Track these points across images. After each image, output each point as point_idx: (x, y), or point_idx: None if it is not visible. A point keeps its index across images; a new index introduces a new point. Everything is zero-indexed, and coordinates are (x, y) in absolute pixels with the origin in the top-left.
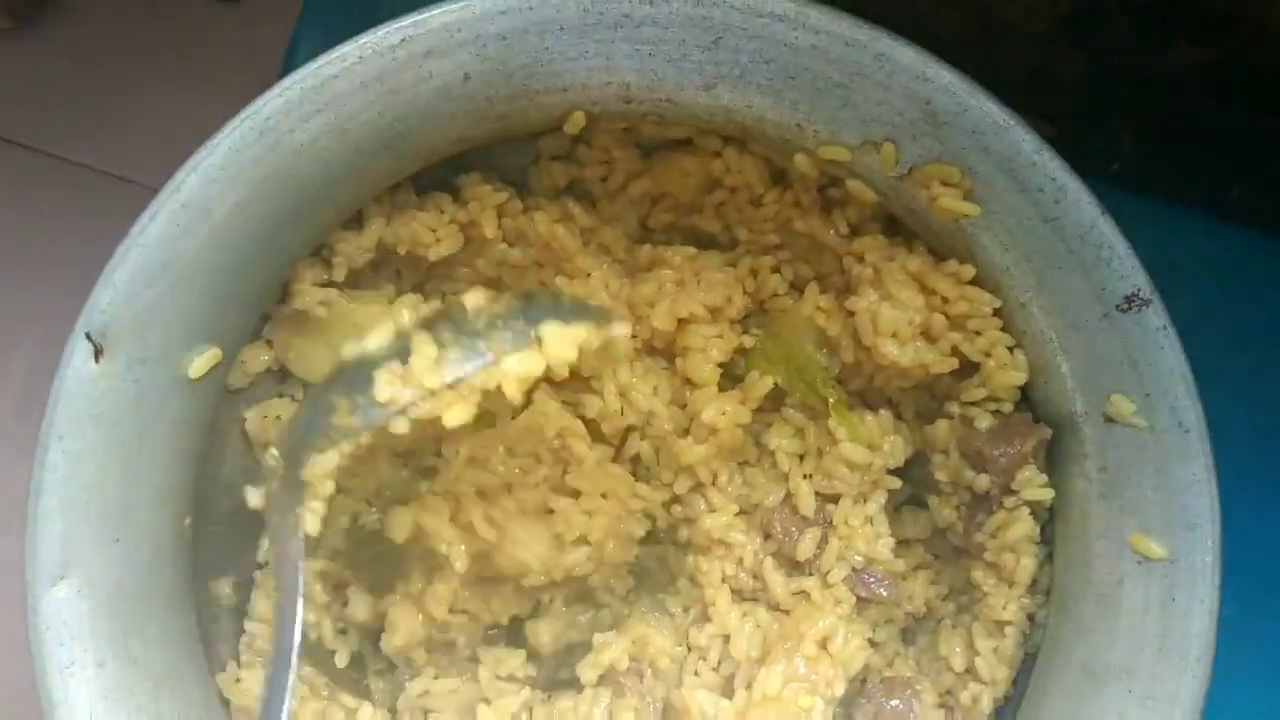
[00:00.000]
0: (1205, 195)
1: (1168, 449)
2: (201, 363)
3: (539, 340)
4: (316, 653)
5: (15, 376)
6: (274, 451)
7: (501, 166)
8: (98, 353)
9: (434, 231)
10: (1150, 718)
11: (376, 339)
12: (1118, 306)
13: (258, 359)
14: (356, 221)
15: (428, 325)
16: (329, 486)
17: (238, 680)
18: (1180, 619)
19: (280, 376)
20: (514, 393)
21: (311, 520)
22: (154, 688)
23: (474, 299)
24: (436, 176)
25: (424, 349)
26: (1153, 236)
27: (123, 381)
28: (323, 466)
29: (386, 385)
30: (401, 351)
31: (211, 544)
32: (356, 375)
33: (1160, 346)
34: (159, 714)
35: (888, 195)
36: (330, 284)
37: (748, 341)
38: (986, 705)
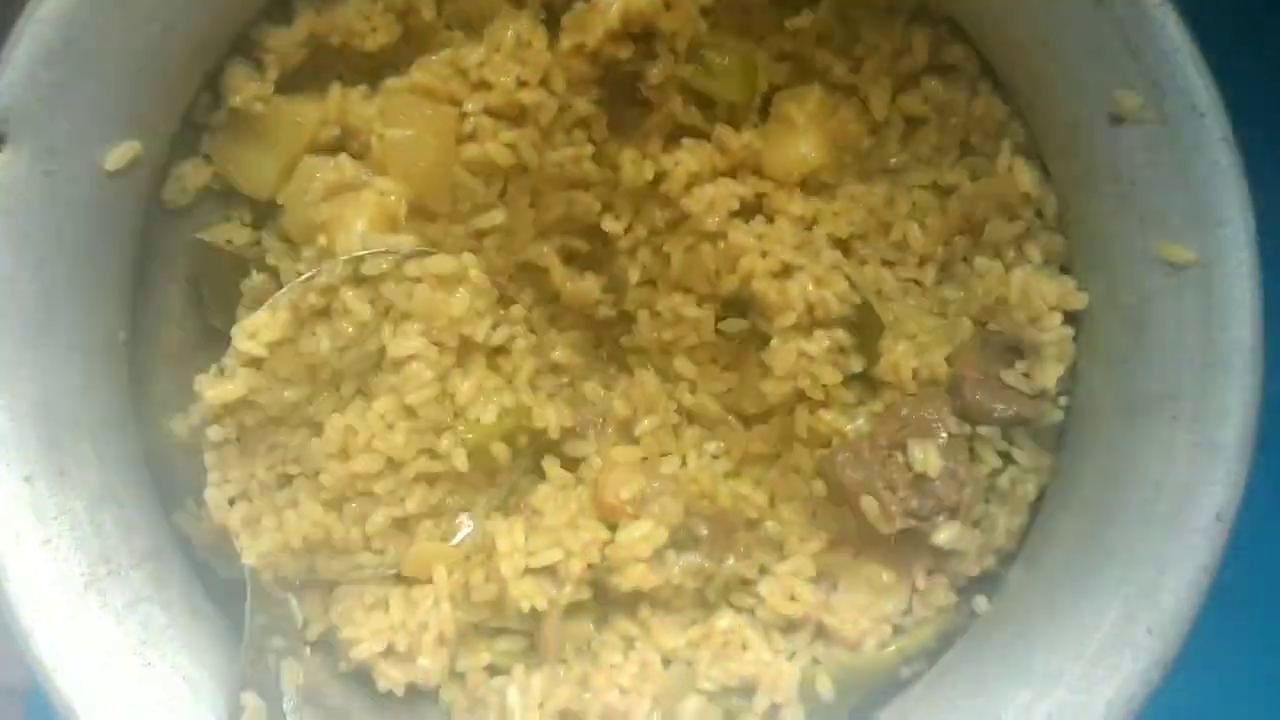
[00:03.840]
0: None
1: (1183, 138)
2: (119, 155)
3: None
4: None
5: None
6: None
7: None
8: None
9: (368, 19)
10: (1201, 442)
11: None
12: None
13: (196, 175)
14: (285, 17)
15: None
16: None
17: (199, 520)
18: (1220, 328)
19: (225, 199)
20: None
21: None
22: (89, 507)
23: None
24: None
25: None
26: None
27: (30, 171)
28: None
29: None
30: None
31: (163, 380)
32: None
33: (1159, 23)
34: (100, 534)
35: None
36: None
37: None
38: (1031, 491)
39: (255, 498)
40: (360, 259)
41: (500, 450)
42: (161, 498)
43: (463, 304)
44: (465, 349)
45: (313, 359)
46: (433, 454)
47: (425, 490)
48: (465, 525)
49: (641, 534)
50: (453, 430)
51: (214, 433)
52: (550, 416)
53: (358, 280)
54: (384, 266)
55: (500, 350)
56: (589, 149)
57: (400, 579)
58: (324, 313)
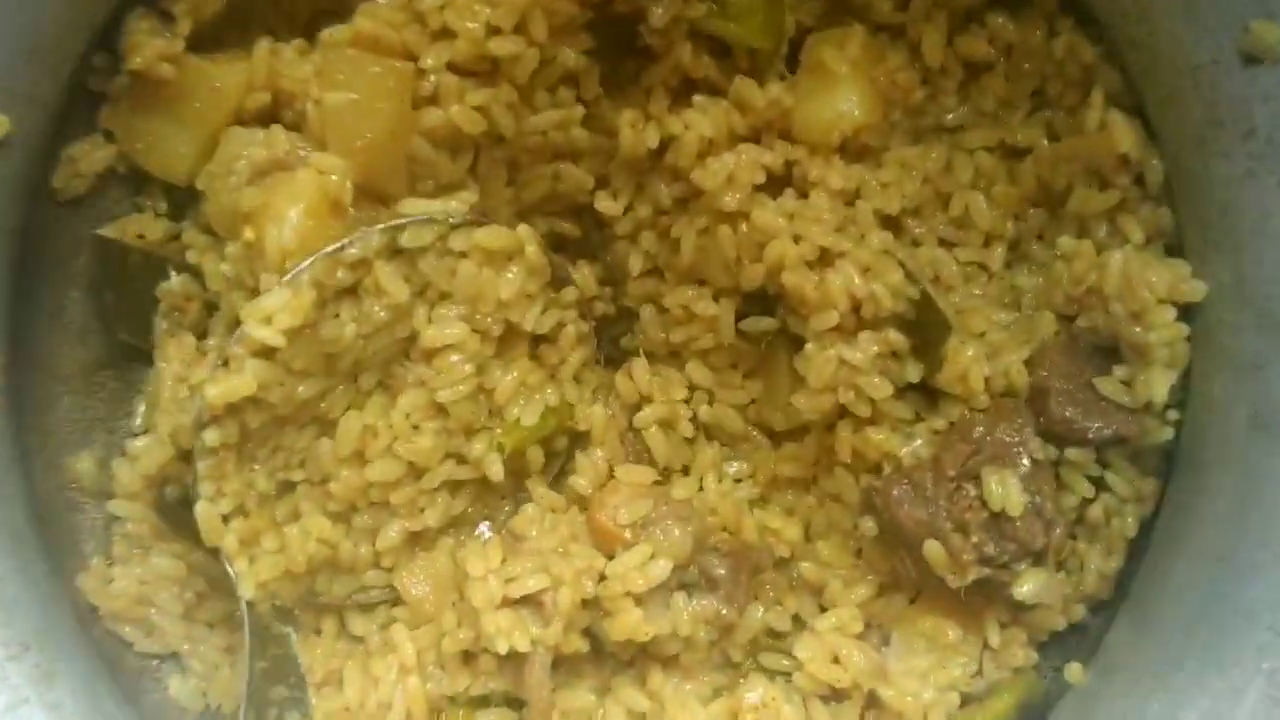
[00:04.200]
0: None
1: None
2: None
3: None
4: None
5: None
6: None
7: None
8: None
9: None
10: None
11: None
12: None
13: (94, 157)
14: None
15: None
16: None
17: (109, 581)
18: None
19: (134, 183)
20: None
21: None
22: None
23: None
24: None
25: None
26: None
27: None
28: None
29: None
30: None
31: (61, 410)
32: None
33: None
34: None
35: None
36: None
37: None
38: (1131, 526)
39: (253, 512)
40: (399, 228)
41: (535, 455)
42: (56, 560)
43: (514, 285)
44: (508, 337)
45: (334, 347)
46: (460, 459)
47: (447, 500)
48: (485, 537)
49: (636, 562)
50: (488, 432)
51: (211, 436)
52: (596, 416)
53: (393, 252)
54: (427, 238)
55: (544, 339)
56: (578, 111)
57: (359, 646)
58: (351, 291)
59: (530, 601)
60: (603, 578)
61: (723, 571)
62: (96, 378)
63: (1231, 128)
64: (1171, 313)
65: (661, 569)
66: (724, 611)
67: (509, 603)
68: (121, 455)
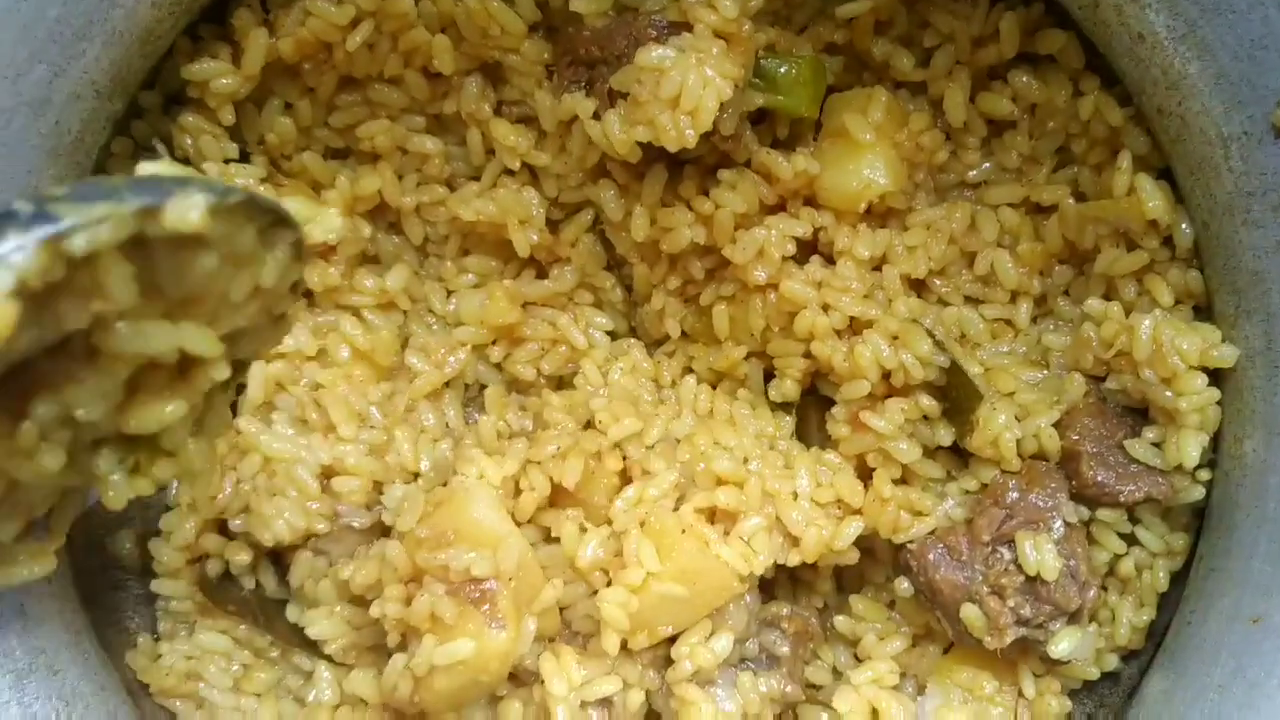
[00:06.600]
0: None
1: None
2: None
3: None
4: None
5: None
6: None
7: None
8: None
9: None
10: None
11: None
12: None
13: None
14: None
15: None
16: None
17: (158, 657)
18: None
19: None
20: None
21: None
22: (15, 682)
23: None
24: None
25: None
26: None
27: None
28: None
29: None
30: None
31: None
32: None
33: None
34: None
35: None
36: None
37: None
38: (1163, 581)
39: None
40: None
41: None
42: (105, 639)
43: None
44: None
45: None
46: None
47: None
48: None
49: (699, 638)
50: None
51: None
52: None
53: None
54: None
55: None
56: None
57: None
58: None
59: (603, 704)
60: (670, 662)
61: (785, 650)
62: None
63: (1263, 199)
64: (1202, 379)
65: (724, 645)
66: (788, 691)
67: (585, 705)
68: (157, 534)
